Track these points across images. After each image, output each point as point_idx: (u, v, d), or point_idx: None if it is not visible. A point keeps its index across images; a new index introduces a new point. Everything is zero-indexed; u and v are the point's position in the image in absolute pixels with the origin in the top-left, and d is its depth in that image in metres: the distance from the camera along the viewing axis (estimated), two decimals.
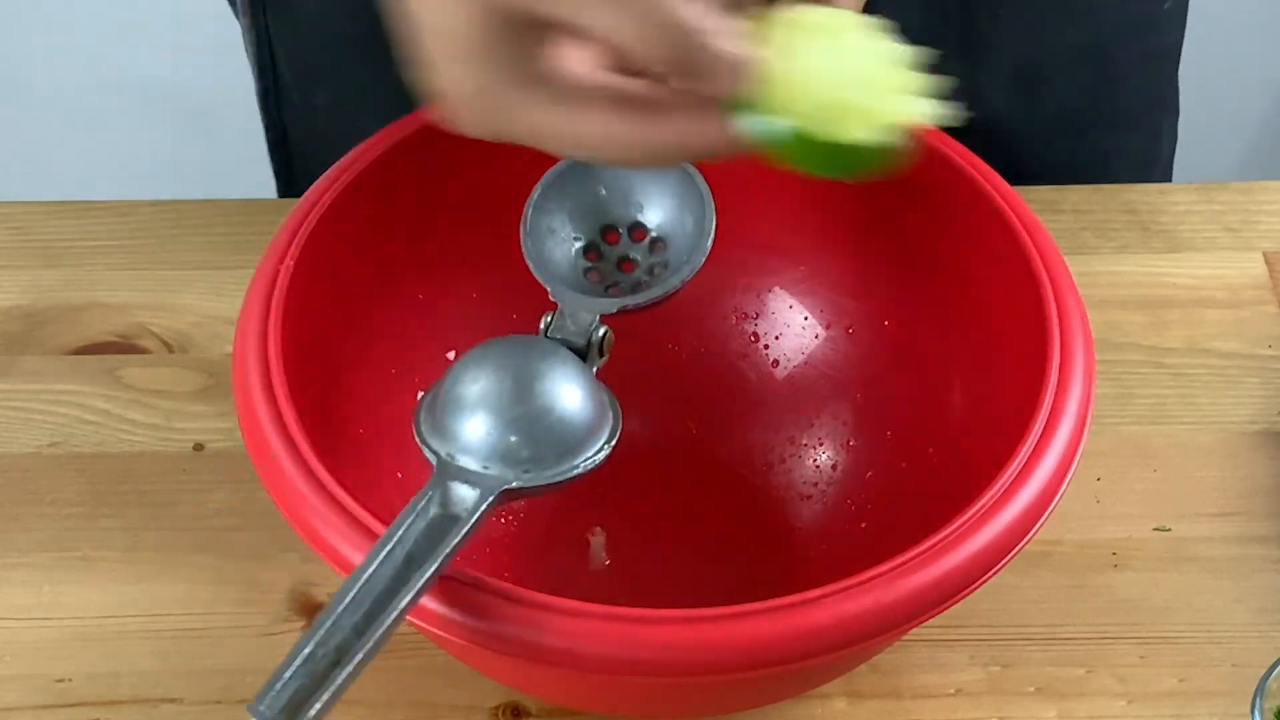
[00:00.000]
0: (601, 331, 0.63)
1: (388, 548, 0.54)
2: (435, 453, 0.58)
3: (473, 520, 0.56)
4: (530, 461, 0.58)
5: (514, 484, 0.57)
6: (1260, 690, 0.62)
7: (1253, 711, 0.62)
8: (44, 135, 1.68)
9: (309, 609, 0.70)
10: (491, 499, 0.56)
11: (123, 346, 0.79)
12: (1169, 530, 0.74)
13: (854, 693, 0.68)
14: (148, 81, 1.63)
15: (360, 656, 0.52)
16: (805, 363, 0.76)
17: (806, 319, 0.76)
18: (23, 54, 1.64)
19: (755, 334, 0.77)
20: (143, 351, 0.79)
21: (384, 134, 0.70)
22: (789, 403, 0.76)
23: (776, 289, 0.76)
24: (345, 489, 0.59)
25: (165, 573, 0.72)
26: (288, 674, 0.51)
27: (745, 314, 0.77)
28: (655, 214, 0.66)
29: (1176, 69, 0.94)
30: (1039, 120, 0.89)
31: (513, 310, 0.75)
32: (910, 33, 0.77)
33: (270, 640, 0.70)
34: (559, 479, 0.58)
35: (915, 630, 0.60)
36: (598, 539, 0.73)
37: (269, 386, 0.62)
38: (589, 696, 0.65)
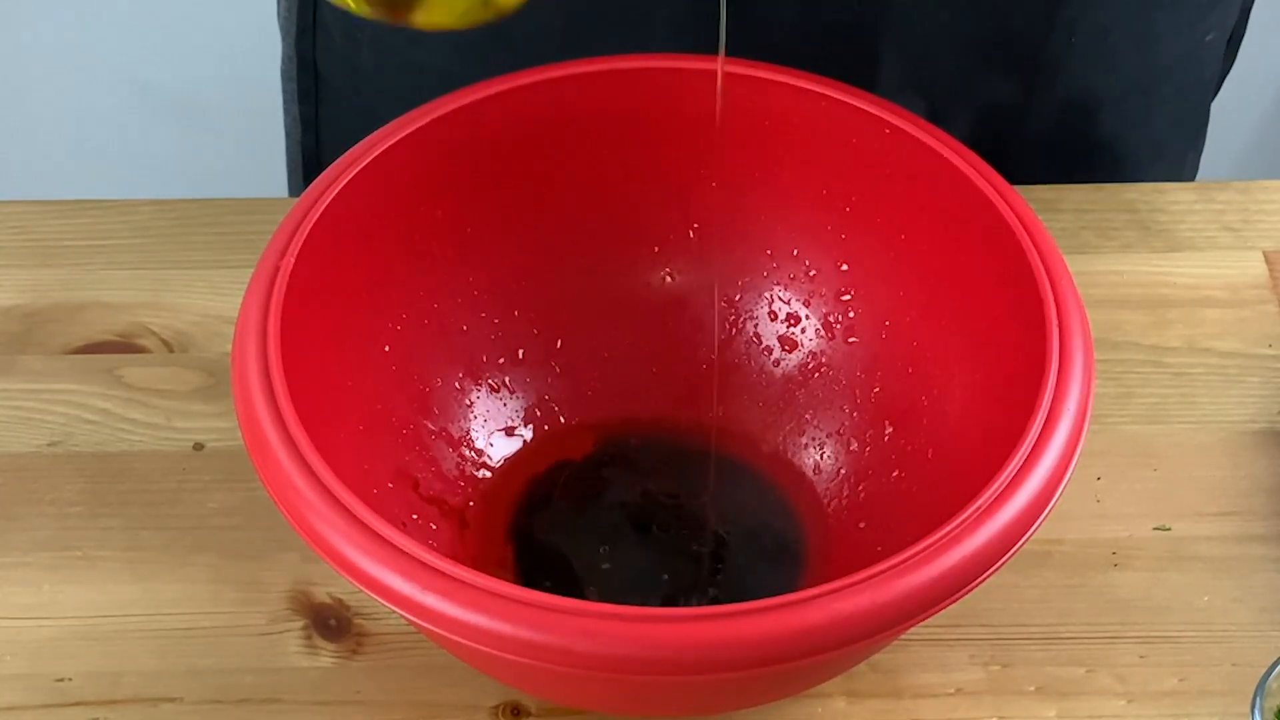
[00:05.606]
0: None
1: None
2: None
3: None
4: None
5: None
6: (1260, 690, 0.62)
7: (1253, 711, 0.62)
8: (44, 135, 1.68)
9: (309, 609, 0.70)
10: None
11: (123, 346, 0.79)
12: (1169, 530, 0.74)
13: (854, 692, 0.68)
14: (148, 81, 1.63)
15: None
16: (804, 363, 0.76)
17: (806, 319, 0.76)
18: (23, 54, 1.64)
19: (756, 334, 0.77)
20: (143, 351, 0.79)
21: (383, 132, 0.70)
22: (788, 402, 0.76)
23: (776, 289, 0.76)
24: (345, 488, 0.59)
25: (165, 572, 0.72)
26: None
27: (745, 314, 0.77)
28: None
29: (1209, 101, 0.94)
30: (1084, 148, 0.89)
31: (515, 307, 0.75)
32: (966, 44, 0.77)
33: (270, 640, 0.70)
34: None
35: (915, 630, 0.60)
36: None
37: (269, 386, 0.62)
38: (589, 696, 0.65)
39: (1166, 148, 0.93)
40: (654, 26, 0.80)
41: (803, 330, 0.76)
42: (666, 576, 0.72)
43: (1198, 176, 0.98)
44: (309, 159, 0.96)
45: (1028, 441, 0.61)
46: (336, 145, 0.93)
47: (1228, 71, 0.95)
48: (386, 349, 0.71)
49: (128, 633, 0.70)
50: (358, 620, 0.70)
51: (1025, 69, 0.84)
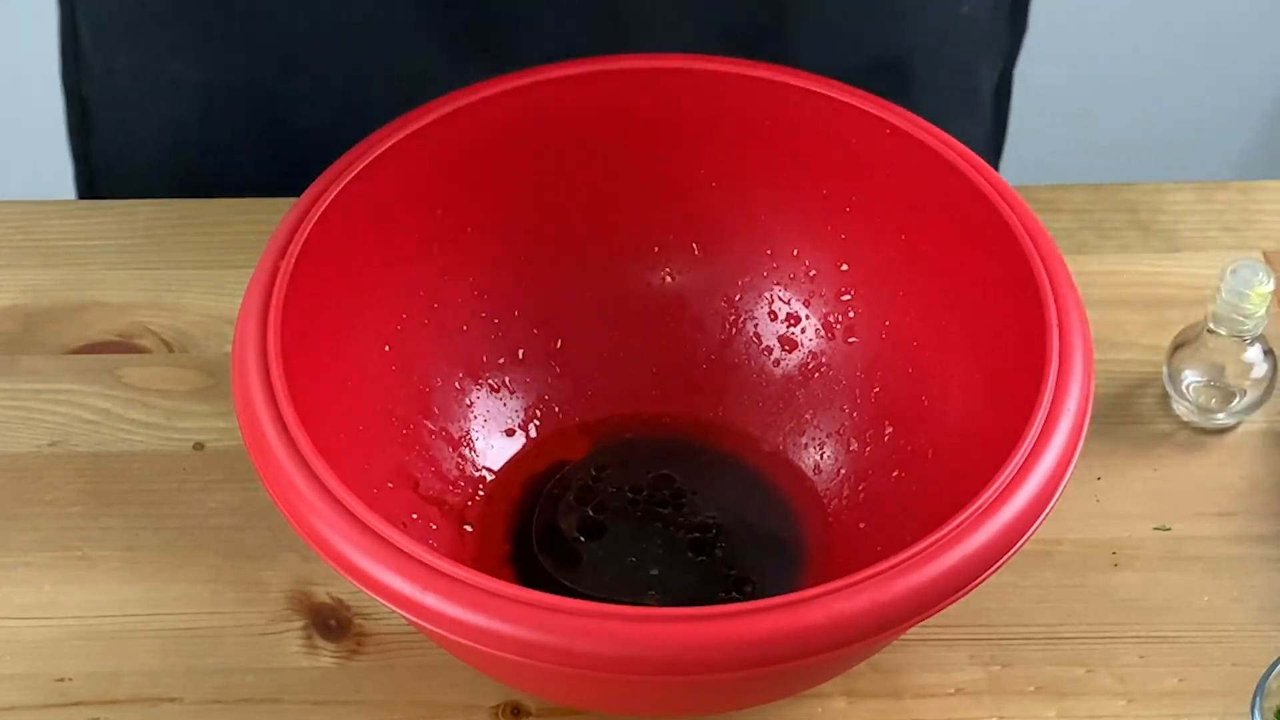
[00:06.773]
0: None
1: None
2: None
3: None
4: None
5: None
6: (1260, 690, 0.62)
7: (1253, 711, 0.62)
8: (44, 135, 1.68)
9: (309, 608, 0.70)
10: None
11: (123, 346, 0.79)
12: (1169, 530, 0.74)
13: (853, 692, 0.68)
14: None
15: None
16: (805, 363, 0.76)
17: (806, 319, 0.76)
18: (22, 54, 1.63)
19: (755, 334, 0.77)
20: (143, 351, 0.79)
21: (383, 132, 0.70)
22: (788, 403, 0.76)
23: (776, 289, 0.76)
24: (345, 488, 0.59)
25: (165, 572, 0.72)
26: None
27: (745, 314, 0.77)
28: None
29: (981, 76, 0.93)
30: None
31: (515, 307, 0.75)
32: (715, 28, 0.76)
33: (270, 640, 0.70)
34: None
35: (915, 629, 0.60)
36: None
37: (269, 386, 0.62)
38: (589, 696, 0.65)
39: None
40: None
41: (803, 330, 0.76)
42: (665, 576, 0.72)
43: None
44: (79, 160, 0.95)
45: (1028, 441, 0.61)
46: (104, 154, 0.92)
47: (1018, 41, 0.92)
48: (386, 349, 0.71)
49: (128, 633, 0.70)
50: (358, 620, 0.70)
51: (755, 55, 0.83)
